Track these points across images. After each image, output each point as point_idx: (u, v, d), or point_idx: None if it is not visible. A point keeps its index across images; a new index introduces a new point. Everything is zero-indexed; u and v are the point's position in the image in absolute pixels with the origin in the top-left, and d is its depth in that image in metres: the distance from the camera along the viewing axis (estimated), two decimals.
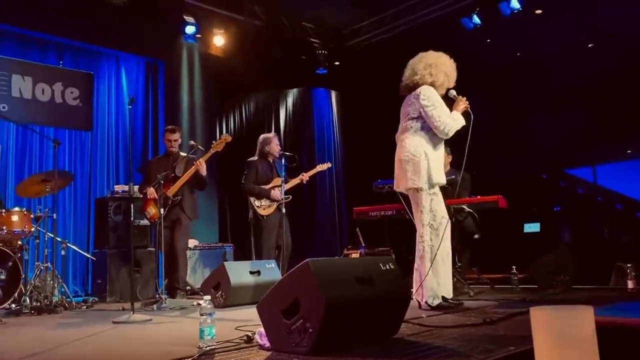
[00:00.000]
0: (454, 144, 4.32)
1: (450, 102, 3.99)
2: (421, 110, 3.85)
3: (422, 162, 3.80)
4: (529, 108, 7.61)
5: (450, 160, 5.56)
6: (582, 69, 6.90)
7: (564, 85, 7.12)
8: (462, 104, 3.96)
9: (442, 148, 3.96)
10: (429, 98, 3.84)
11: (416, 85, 3.94)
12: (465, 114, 3.95)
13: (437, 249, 3.77)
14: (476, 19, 7.58)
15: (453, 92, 4.04)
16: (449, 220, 3.92)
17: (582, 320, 1.53)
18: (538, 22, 7.45)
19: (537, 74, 7.35)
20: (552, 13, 7.26)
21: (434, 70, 3.93)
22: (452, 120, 3.83)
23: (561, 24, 7.09)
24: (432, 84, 3.92)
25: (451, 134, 3.83)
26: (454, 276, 4.82)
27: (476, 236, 5.40)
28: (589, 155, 7.46)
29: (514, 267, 5.23)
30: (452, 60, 4.02)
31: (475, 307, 3.83)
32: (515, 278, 5.17)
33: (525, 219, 6.78)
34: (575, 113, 7.08)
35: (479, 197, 5.25)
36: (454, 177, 5.18)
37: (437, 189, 3.90)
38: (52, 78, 7.47)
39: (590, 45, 7.33)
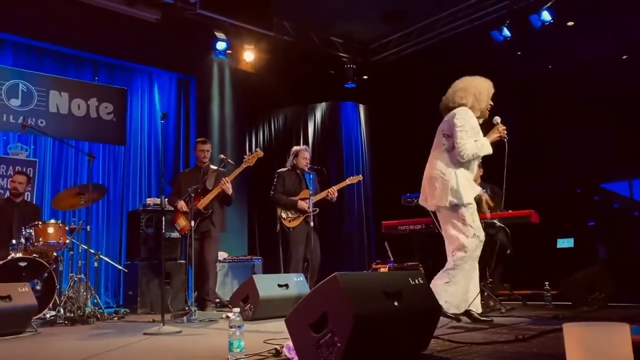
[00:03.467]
0: (489, 161, 4.28)
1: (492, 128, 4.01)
2: (452, 129, 3.85)
3: (452, 181, 3.79)
4: (561, 121, 7.47)
5: (481, 173, 5.49)
6: (616, 81, 6.76)
7: (597, 97, 6.97)
8: (497, 132, 3.96)
9: (471, 167, 3.93)
10: (462, 119, 3.85)
11: (454, 106, 3.96)
12: (500, 143, 3.95)
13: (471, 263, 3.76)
14: (506, 32, 7.48)
15: (498, 119, 4.04)
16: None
17: (618, 338, 1.49)
18: (570, 34, 7.34)
19: (569, 86, 7.22)
20: (584, 25, 7.14)
21: (463, 93, 3.95)
22: (473, 146, 3.81)
23: (594, 35, 6.97)
24: (464, 106, 3.92)
25: (467, 158, 3.80)
26: (484, 291, 4.76)
27: (508, 251, 5.30)
28: (625, 168, 7.27)
29: (546, 283, 5.11)
30: (488, 84, 4.01)
31: (507, 324, 3.75)
32: (548, 294, 5.05)
33: (558, 234, 6.62)
34: (609, 126, 6.92)
35: (510, 211, 5.16)
36: (485, 190, 5.11)
37: (473, 204, 3.86)
38: (87, 93, 7.70)
39: (624, 57, 7.19)
